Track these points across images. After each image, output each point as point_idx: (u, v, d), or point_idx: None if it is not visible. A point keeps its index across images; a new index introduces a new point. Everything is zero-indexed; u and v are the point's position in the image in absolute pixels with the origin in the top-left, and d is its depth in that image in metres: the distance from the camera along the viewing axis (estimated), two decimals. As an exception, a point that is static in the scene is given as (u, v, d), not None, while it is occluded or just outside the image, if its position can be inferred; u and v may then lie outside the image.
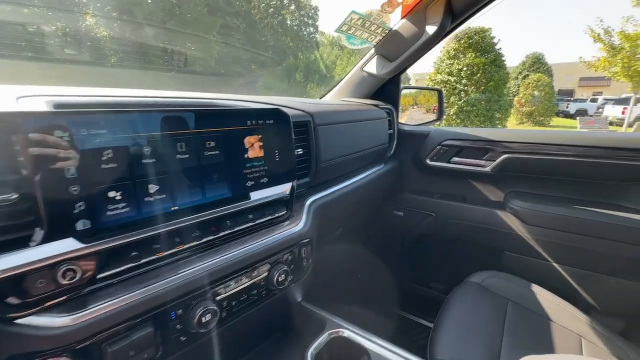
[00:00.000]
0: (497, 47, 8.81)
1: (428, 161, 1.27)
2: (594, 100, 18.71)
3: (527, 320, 0.87)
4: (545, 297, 0.94)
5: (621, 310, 0.99)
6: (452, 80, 8.88)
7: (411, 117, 2.08)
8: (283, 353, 0.73)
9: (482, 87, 8.63)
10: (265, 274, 0.60)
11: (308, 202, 0.78)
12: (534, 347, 0.79)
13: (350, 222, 1.19)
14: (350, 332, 0.65)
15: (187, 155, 0.51)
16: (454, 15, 0.98)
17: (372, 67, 1.19)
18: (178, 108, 0.51)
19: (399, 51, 1.10)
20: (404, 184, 1.37)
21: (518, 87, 13.36)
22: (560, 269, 1.06)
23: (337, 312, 0.71)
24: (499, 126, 9.12)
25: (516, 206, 1.10)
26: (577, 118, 11.88)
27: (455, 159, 1.22)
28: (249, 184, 0.61)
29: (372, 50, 1.19)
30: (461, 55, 8.77)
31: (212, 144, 0.55)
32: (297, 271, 0.68)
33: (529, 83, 12.46)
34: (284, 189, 0.68)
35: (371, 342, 0.62)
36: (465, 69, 8.68)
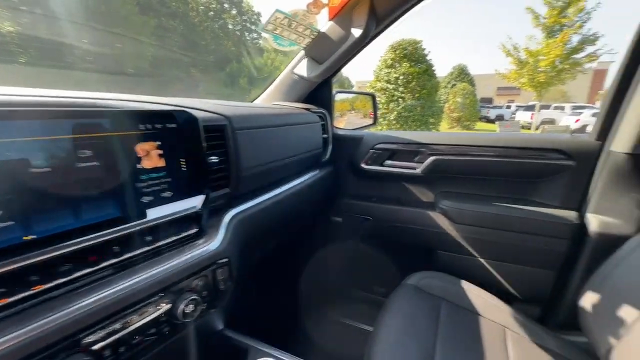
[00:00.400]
0: (428, 58, 9.58)
1: (363, 165, 1.26)
2: (508, 107, 21.54)
3: (458, 318, 0.89)
4: (474, 293, 0.98)
5: (538, 298, 1.08)
6: (391, 88, 9.42)
7: (349, 121, 2.09)
8: None
9: (417, 95, 9.30)
10: (168, 306, 0.50)
11: (229, 216, 0.70)
12: (464, 343, 0.81)
13: (285, 233, 1.13)
14: None
15: (48, 169, 0.40)
16: (378, 19, 0.98)
17: (303, 70, 1.15)
18: (35, 108, 0.40)
19: (327, 54, 1.08)
20: (342, 189, 1.35)
21: (448, 94, 14.67)
22: (485, 264, 1.12)
23: (273, 332, 0.63)
24: (434, 130, 9.92)
25: (445, 206, 1.15)
26: (497, 122, 13.50)
27: (388, 162, 1.23)
28: (146, 199, 0.51)
29: (302, 52, 1.15)
30: (397, 65, 9.36)
31: (88, 153, 0.44)
32: (212, 298, 0.59)
33: (456, 91, 13.78)
34: (195, 202, 0.59)
35: None
36: (401, 77, 9.27)
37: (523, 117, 17.54)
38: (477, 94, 14.76)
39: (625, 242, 0.80)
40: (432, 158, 1.15)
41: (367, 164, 1.26)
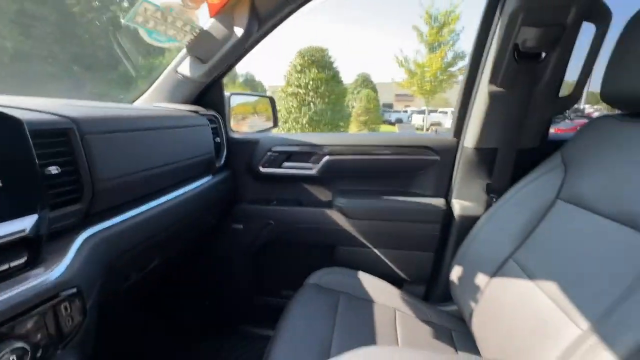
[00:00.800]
0: (334, 65, 10.18)
1: (261, 168, 1.24)
2: (405, 112, 24.52)
3: (355, 307, 0.94)
4: (370, 282, 1.05)
5: (422, 278, 1.22)
6: (302, 93, 9.70)
7: (252, 125, 2.06)
8: None
9: (327, 100, 9.79)
10: (-28, 366, 0.38)
11: (82, 237, 0.58)
12: (359, 330, 0.85)
13: (172, 247, 1.02)
14: None
15: None
16: (260, 19, 0.98)
17: (186, 69, 1.06)
18: None
19: (212, 53, 1.02)
20: (241, 195, 1.30)
21: (355, 100, 15.87)
22: (379, 253, 1.22)
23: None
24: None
25: (340, 203, 1.21)
26: (396, 125, 15.25)
27: (286, 164, 1.24)
28: None
29: (185, 50, 1.07)
30: (307, 70, 9.69)
31: None
32: (54, 340, 0.48)
33: (362, 97, 15.04)
34: (22, 225, 0.47)
35: None
36: (311, 82, 9.64)
37: (417, 120, 20.30)
38: (380, 100, 16.37)
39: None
40: (326, 158, 1.20)
41: (264, 167, 1.24)
